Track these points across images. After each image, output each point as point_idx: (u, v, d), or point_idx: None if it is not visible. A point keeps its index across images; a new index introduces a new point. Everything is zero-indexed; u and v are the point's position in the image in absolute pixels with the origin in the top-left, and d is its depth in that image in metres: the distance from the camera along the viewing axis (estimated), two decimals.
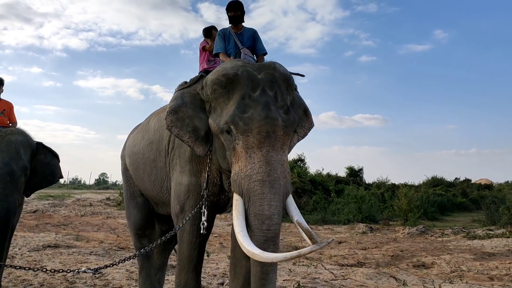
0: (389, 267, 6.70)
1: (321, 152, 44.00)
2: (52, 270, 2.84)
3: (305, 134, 3.17)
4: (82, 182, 34.91)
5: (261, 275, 2.52)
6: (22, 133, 4.03)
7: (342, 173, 20.84)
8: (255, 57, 3.42)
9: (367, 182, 20.71)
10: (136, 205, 4.08)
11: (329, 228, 12.03)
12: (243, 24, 3.51)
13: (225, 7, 3.42)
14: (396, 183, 20.23)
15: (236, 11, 3.41)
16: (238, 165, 2.67)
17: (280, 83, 2.80)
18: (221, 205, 3.14)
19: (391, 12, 44.20)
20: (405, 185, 19.02)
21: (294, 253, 2.29)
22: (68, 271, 3.04)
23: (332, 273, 5.70)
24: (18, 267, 3.36)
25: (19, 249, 7.36)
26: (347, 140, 52.40)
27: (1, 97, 4.32)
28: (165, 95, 63.75)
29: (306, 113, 3.17)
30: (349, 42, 48.20)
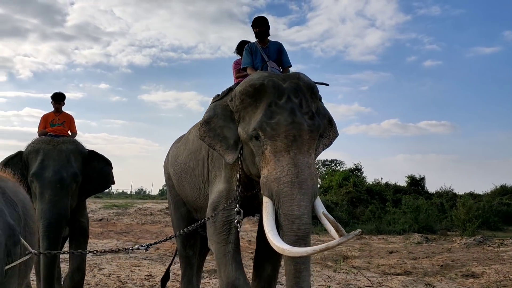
0: (435, 276, 6.70)
1: (385, 161, 43.12)
2: (102, 251, 3.02)
3: (330, 143, 3.27)
4: (147, 192, 36.55)
5: (294, 273, 2.63)
6: (73, 142, 4.37)
7: (403, 182, 20.53)
8: (281, 70, 3.59)
9: (429, 192, 20.20)
10: (180, 216, 4.33)
11: (383, 238, 11.98)
12: (269, 38, 3.69)
13: (251, 24, 3.65)
14: (460, 193, 19.57)
15: (261, 27, 3.61)
16: (267, 168, 2.80)
17: (305, 91, 2.95)
18: (250, 210, 3.28)
19: (456, 14, 42.66)
20: (470, 194, 18.41)
21: (323, 246, 2.39)
22: (124, 249, 3.10)
23: (369, 280, 5.86)
24: (67, 252, 3.70)
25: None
26: (412, 148, 50.91)
27: (63, 110, 4.78)
28: None
29: (330, 123, 3.29)
30: (412, 47, 47.03)
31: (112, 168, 4.62)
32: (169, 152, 4.61)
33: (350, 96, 48.75)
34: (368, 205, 15.83)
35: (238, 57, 3.98)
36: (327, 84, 3.51)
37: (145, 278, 5.85)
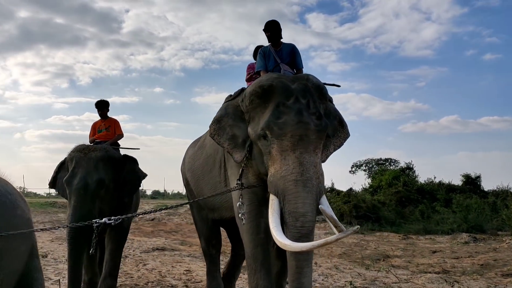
0: (471, 275, 6.74)
1: (445, 159, 41.81)
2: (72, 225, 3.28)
3: (341, 144, 3.34)
4: None
5: (296, 269, 2.73)
6: (103, 149, 4.51)
7: (458, 181, 20.00)
8: (294, 71, 3.70)
9: (485, 190, 19.58)
10: (201, 218, 4.58)
11: (430, 238, 11.90)
12: (281, 40, 3.80)
13: (263, 28, 3.77)
14: None
15: (272, 31, 3.73)
16: (274, 167, 2.90)
17: (313, 92, 3.04)
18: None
19: None
20: None
21: (321, 241, 2.49)
22: (89, 223, 3.21)
23: (397, 277, 6.04)
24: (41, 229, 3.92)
25: (133, 250, 8.75)
26: (473, 146, 48.91)
27: (108, 115, 5.08)
28: None
29: (341, 123, 3.35)
30: (470, 40, 45.27)
31: (137, 164, 4.73)
32: (185, 157, 4.81)
33: (406, 93, 47.77)
34: (418, 205, 15.66)
35: (254, 61, 4.10)
36: (338, 86, 3.69)
37: (183, 273, 6.34)
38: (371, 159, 29.08)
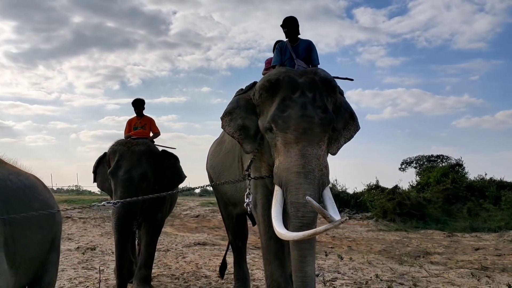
0: (510, 272, 6.67)
1: (501, 155, 40.11)
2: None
3: (351, 137, 3.39)
4: None
5: (299, 258, 2.78)
6: (145, 144, 4.81)
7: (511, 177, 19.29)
8: (310, 67, 3.68)
9: None
10: (228, 215, 4.88)
11: (476, 236, 11.66)
12: (299, 36, 3.85)
13: (280, 24, 3.83)
14: None
15: (289, 27, 3.80)
16: (278, 159, 2.98)
17: (320, 86, 3.08)
18: None
19: None
20: None
21: (311, 231, 2.58)
22: (89, 205, 3.62)
23: (427, 271, 6.09)
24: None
25: (176, 245, 9.18)
26: None
27: (144, 114, 5.34)
28: None
29: (352, 116, 3.39)
30: None
31: (179, 163, 5.02)
32: (208, 155, 5.03)
33: (459, 87, 46.10)
34: (466, 202, 15.30)
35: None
36: (351, 79, 3.75)
37: (218, 265, 6.64)
38: (422, 156, 28.41)
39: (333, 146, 3.27)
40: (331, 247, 9.48)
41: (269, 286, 3.42)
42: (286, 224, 2.85)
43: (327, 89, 3.13)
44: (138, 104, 5.30)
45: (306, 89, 3.04)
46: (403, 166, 29.38)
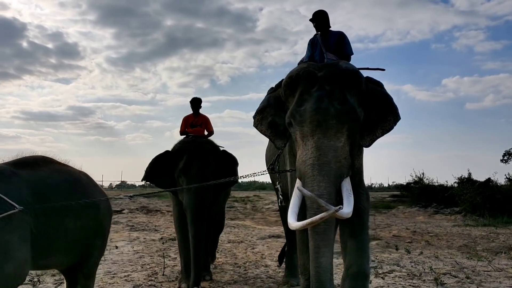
0: None
1: None
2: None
3: (391, 128, 3.33)
4: None
5: (314, 249, 2.87)
6: (211, 143, 5.18)
7: None
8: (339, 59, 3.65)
9: None
10: (283, 208, 4.75)
11: None
12: (330, 29, 3.92)
13: (310, 18, 3.91)
14: None
15: (318, 21, 3.87)
16: (298, 152, 3.09)
17: (340, 78, 3.10)
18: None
19: None
20: None
21: (308, 220, 2.74)
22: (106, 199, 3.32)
23: (491, 265, 5.93)
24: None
25: (251, 237, 9.69)
26: None
27: (200, 112, 5.60)
28: (418, 94, 62.28)
29: (391, 107, 3.35)
30: None
31: (237, 165, 5.19)
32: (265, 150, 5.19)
33: None
34: None
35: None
36: (383, 69, 3.76)
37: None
38: None
39: (367, 138, 3.27)
40: (409, 242, 9.38)
41: (301, 274, 3.60)
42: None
43: (349, 81, 3.14)
44: (196, 103, 5.58)
45: (325, 82, 3.08)
46: (505, 158, 27.48)
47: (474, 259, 6.59)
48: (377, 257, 6.77)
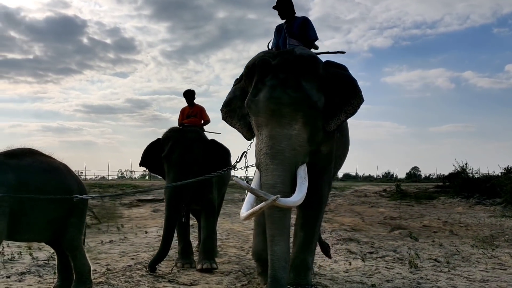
0: None
1: None
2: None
3: (355, 111, 3.31)
4: (394, 176, 37.24)
5: (268, 237, 2.99)
6: (196, 132, 5.29)
7: None
8: (301, 44, 3.72)
9: None
10: None
11: None
12: (295, 15, 3.93)
13: (273, 6, 3.95)
14: None
15: (280, 9, 3.91)
16: (255, 142, 3.19)
17: (294, 65, 3.09)
18: None
19: None
20: None
21: (250, 211, 2.82)
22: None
23: (485, 253, 6.09)
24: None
25: None
26: None
27: (195, 103, 5.80)
28: (479, 81, 59.57)
29: (355, 90, 3.32)
30: None
31: (230, 155, 5.30)
32: None
33: None
34: None
35: None
36: (343, 52, 3.82)
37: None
38: None
39: (331, 123, 3.27)
40: (434, 232, 9.48)
41: (252, 255, 3.84)
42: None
43: (304, 68, 3.13)
44: (189, 95, 5.81)
45: (279, 71, 3.08)
46: None
47: (480, 248, 6.68)
48: (383, 245, 7.03)
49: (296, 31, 3.85)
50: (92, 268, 3.88)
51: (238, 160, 3.76)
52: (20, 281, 4.29)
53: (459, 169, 16.95)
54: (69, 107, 71.00)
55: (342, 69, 3.44)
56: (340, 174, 36.78)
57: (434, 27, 55.59)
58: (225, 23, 61.27)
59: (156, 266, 4.81)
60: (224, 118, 3.65)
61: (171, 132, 5.28)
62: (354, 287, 4.23)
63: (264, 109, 3.02)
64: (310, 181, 3.16)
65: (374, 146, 61.22)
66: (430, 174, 37.78)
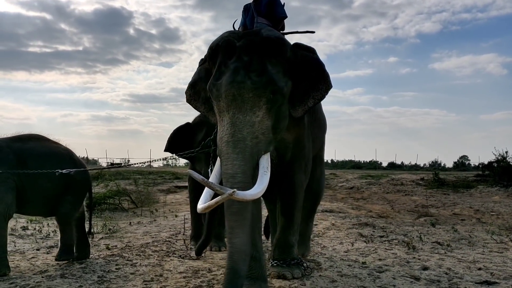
0: None
1: None
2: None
3: (322, 97, 3.21)
4: (442, 164, 36.51)
5: (228, 229, 2.84)
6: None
7: None
8: (270, 23, 3.74)
9: None
10: None
11: None
12: None
13: None
14: None
15: None
16: (218, 128, 3.03)
17: (260, 47, 2.93)
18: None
19: None
20: None
21: (205, 204, 2.68)
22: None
23: (494, 238, 6.18)
24: None
25: None
26: None
27: None
28: None
29: (323, 75, 3.20)
30: None
31: None
32: None
33: None
34: None
35: None
36: (312, 32, 3.75)
37: (326, 227, 7.60)
38: None
39: (298, 108, 3.19)
40: (462, 219, 9.55)
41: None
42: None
43: (270, 50, 2.99)
44: None
45: (243, 53, 2.93)
46: None
47: (492, 234, 6.78)
48: (398, 230, 7.21)
49: (263, 10, 3.81)
50: (113, 244, 4.43)
51: (207, 142, 3.77)
52: (47, 253, 4.93)
53: (499, 157, 16.57)
54: (116, 97, 73.81)
55: (310, 51, 3.26)
56: (385, 162, 36.45)
57: (486, 10, 53.50)
58: None
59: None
60: (188, 100, 3.53)
61: (205, 117, 5.45)
62: (345, 264, 4.52)
63: (225, 94, 2.86)
64: (283, 169, 3.21)
65: (422, 134, 59.81)
66: (480, 164, 36.79)
